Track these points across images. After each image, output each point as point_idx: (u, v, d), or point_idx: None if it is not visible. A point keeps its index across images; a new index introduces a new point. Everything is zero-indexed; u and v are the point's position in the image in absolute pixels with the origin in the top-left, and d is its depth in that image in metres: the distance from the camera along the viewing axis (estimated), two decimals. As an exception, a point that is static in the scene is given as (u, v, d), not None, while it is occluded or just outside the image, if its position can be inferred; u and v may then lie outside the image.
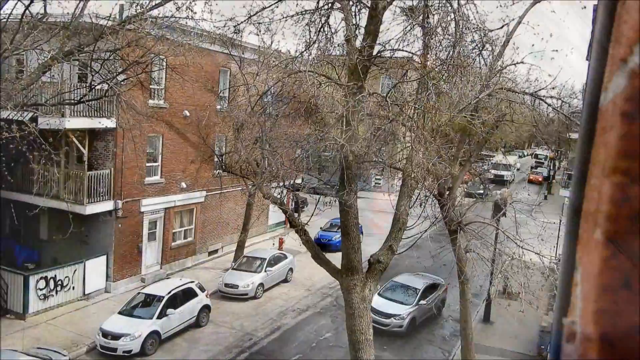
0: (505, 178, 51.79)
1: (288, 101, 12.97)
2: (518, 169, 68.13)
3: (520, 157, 79.89)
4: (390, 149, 15.96)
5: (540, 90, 15.69)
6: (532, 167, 70.65)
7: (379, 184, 44.37)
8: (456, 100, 11.86)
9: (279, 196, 14.26)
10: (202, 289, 21.06)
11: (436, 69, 12.43)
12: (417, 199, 13.21)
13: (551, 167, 62.59)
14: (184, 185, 25.47)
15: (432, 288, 22.32)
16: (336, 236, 28.29)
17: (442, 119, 11.26)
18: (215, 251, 28.94)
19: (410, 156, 12.12)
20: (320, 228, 31.68)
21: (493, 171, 46.01)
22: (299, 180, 25.39)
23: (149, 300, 19.44)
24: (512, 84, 16.55)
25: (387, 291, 22.04)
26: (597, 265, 0.63)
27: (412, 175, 11.98)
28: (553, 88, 15.17)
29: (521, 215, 16.25)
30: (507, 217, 17.22)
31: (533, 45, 23.18)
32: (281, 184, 14.74)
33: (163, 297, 19.22)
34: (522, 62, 15.19)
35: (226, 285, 23.47)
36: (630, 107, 0.59)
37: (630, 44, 0.60)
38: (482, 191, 26.00)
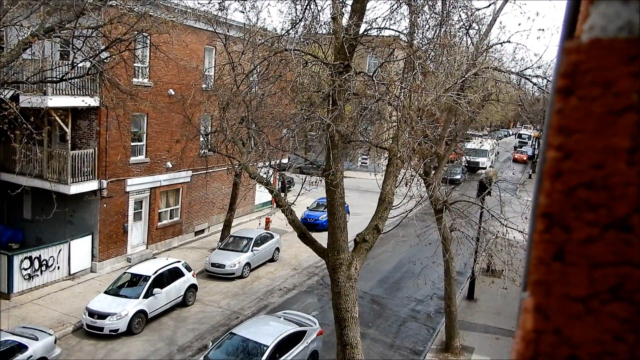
0: (480, 165, 46.78)
1: (274, 80, 12.90)
2: (497, 154, 62.01)
3: (499, 138, 77.03)
4: (376, 128, 16.00)
5: (526, 69, 15.79)
6: (515, 147, 71.01)
7: (366, 163, 44.49)
8: (442, 80, 11.88)
9: (265, 176, 14.26)
10: (188, 269, 21.11)
11: (423, 48, 12.41)
12: (403, 178, 13.28)
13: (536, 147, 63.14)
14: (169, 164, 25.35)
15: (292, 340, 15.97)
16: (322, 216, 28.42)
17: (429, 99, 11.28)
18: (202, 231, 28.95)
19: (396, 136, 12.16)
20: (307, 208, 31.79)
21: (467, 158, 41.73)
22: (285, 160, 25.38)
23: (135, 280, 19.46)
24: (499, 63, 16.61)
25: (220, 349, 15.46)
26: (535, 239, 0.66)
27: (398, 155, 12.03)
28: (539, 67, 15.26)
29: (506, 194, 16.42)
30: (491, 196, 17.40)
31: (520, 24, 23.19)
32: (267, 163, 14.73)
33: (149, 276, 19.25)
34: (508, 42, 15.25)
35: (213, 264, 23.54)
36: (564, 83, 0.61)
37: (574, 22, 0.63)
38: (458, 176, 25.73)
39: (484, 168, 44.58)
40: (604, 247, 0.62)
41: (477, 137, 28.74)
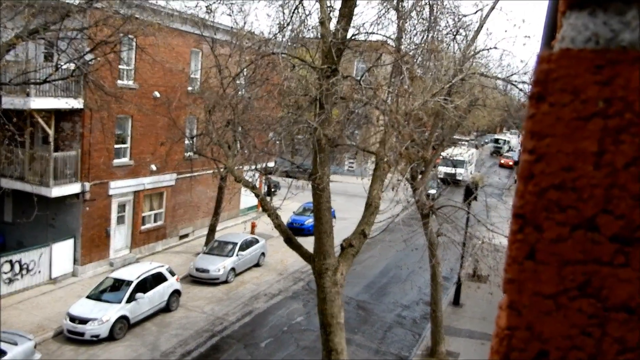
0: (457, 177, 41.26)
1: (261, 83, 12.93)
2: (482, 162, 57.54)
3: (484, 144, 76.43)
4: (363, 132, 16.08)
5: (512, 75, 15.97)
6: (491, 153, 71.59)
7: (352, 167, 44.55)
8: (430, 85, 11.98)
9: (251, 179, 14.25)
10: (172, 274, 21.00)
11: (410, 53, 12.52)
12: (390, 182, 13.36)
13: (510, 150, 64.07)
14: (153, 167, 25.22)
15: None
16: (309, 220, 28.43)
17: (416, 103, 11.37)
18: (186, 235, 28.81)
19: (383, 140, 12.23)
20: (293, 212, 31.78)
21: (443, 169, 36.84)
22: (271, 164, 25.38)
23: (118, 285, 19.30)
24: (485, 69, 16.79)
25: None
26: (509, 240, 0.69)
27: (385, 159, 12.10)
28: (525, 73, 15.44)
29: (492, 199, 16.57)
30: (477, 201, 17.55)
31: (506, 31, 23.45)
32: (253, 167, 14.73)
33: (132, 281, 19.11)
34: (495, 48, 15.47)
35: (197, 269, 23.42)
36: (537, 90, 0.66)
37: (554, 32, 0.67)
38: (433, 191, 24.44)
39: (460, 181, 39.56)
40: (572, 246, 0.66)
41: (463, 142, 28.48)
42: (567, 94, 0.64)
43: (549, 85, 0.65)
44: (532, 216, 0.67)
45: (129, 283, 19.09)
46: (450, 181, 36.49)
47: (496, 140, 76.32)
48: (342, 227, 23.86)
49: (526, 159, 0.67)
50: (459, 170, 41.25)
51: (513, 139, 77.53)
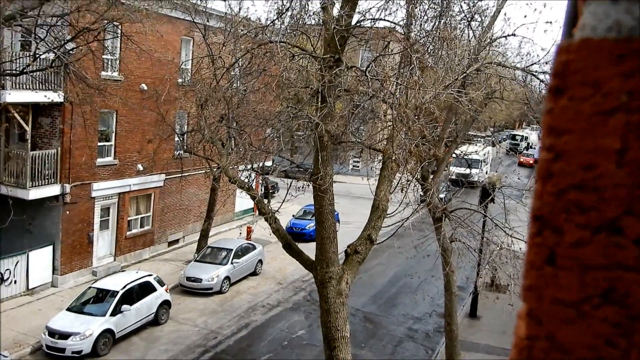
0: (471, 178, 36.58)
1: (257, 75, 12.94)
2: (500, 161, 55.18)
3: (501, 140, 74.74)
4: (369, 128, 16.08)
5: (532, 65, 15.94)
6: (507, 150, 71.33)
7: (358, 167, 44.59)
8: (442, 76, 11.98)
9: (246, 180, 14.27)
10: (161, 283, 21.03)
11: (420, 41, 12.52)
12: (398, 183, 13.36)
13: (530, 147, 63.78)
14: (140, 167, 25.26)
15: None
16: (310, 224, 28.44)
17: (427, 96, 11.38)
18: (176, 241, 28.85)
19: (391, 136, 12.24)
20: (293, 216, 31.80)
21: (455, 169, 35.37)
22: (269, 163, 25.39)
23: (102, 296, 19.35)
24: (503, 59, 16.77)
25: None
26: (528, 243, 0.70)
27: (394, 158, 12.11)
28: (546, 63, 15.42)
29: (510, 201, 16.55)
30: (495, 203, 17.52)
31: (525, 16, 23.46)
32: (249, 166, 14.74)
33: (117, 291, 19.15)
34: (513, 35, 15.40)
35: (188, 278, 23.46)
36: (556, 83, 0.66)
37: (575, 20, 0.68)
38: (443, 195, 23.75)
39: (475, 182, 36.49)
40: (594, 250, 0.67)
41: (479, 139, 28.26)
42: (588, 87, 0.65)
43: (568, 78, 0.66)
44: (551, 218, 0.68)
45: (113, 294, 19.12)
46: (463, 183, 34.86)
47: (513, 137, 76.00)
48: (347, 232, 23.88)
49: (544, 157, 0.69)
50: (473, 171, 38.39)
51: (532, 135, 77.39)
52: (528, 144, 74.10)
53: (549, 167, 0.68)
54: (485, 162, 47.38)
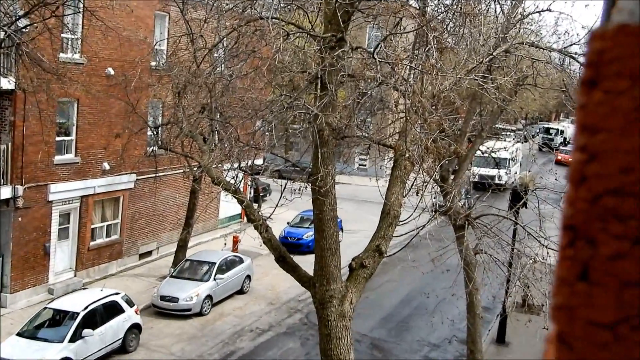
0: (497, 180, 35.40)
1: (246, 57, 12.97)
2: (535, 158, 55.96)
3: (528, 138, 74.13)
4: (378, 120, 16.11)
5: (571, 45, 15.97)
6: (539, 146, 71.15)
7: (364, 166, 44.61)
8: (464, 58, 12.01)
9: (233, 181, 14.30)
10: (130, 303, 21.02)
11: (439, 18, 12.55)
12: (413, 185, 13.38)
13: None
14: (106, 166, 25.26)
15: None
16: (308, 234, 28.47)
17: (446, 82, 11.40)
18: (149, 253, 28.84)
19: (404, 130, 12.26)
20: (288, 223, 31.80)
21: (477, 170, 34.46)
22: (259, 161, 25.41)
23: (59, 318, 19.33)
24: (536, 38, 16.79)
25: None
26: (559, 256, 0.72)
27: (407, 155, 12.13)
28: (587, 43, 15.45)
29: (547, 206, 16.56)
30: (528, 209, 17.53)
31: (564, -13, 23.48)
32: (236, 165, 14.77)
33: (77, 313, 19.12)
34: (549, 10, 15.41)
35: (162, 298, 23.45)
36: (590, 74, 0.68)
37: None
38: (461, 202, 23.03)
39: (502, 186, 36.26)
40: (633, 264, 0.69)
41: (509, 133, 27.94)
42: (625, 79, 0.67)
43: (603, 69, 0.68)
44: (585, 228, 0.70)
45: (73, 316, 19.10)
46: (487, 186, 33.77)
47: (547, 130, 76.00)
48: (351, 243, 23.90)
49: (577, 159, 0.71)
50: (500, 172, 38.82)
51: (570, 128, 77.43)
52: (564, 138, 74.11)
53: (582, 170, 0.70)
54: (514, 160, 47.42)
